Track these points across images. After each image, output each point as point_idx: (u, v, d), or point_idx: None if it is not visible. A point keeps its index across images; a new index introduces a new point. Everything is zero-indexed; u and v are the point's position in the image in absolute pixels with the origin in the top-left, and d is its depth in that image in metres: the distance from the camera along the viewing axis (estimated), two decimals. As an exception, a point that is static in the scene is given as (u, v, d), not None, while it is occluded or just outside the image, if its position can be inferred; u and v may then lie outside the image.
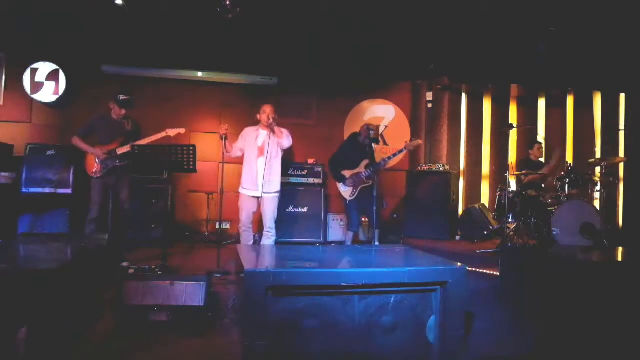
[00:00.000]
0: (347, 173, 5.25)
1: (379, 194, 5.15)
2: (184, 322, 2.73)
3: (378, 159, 5.46)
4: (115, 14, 5.40)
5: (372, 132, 5.37)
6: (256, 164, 4.53)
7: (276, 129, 4.50)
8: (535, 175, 6.08)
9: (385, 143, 7.52)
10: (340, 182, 5.31)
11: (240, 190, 4.61)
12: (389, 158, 5.34)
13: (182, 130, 4.59)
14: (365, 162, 5.23)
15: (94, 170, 4.48)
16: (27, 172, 5.45)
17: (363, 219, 5.97)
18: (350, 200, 5.28)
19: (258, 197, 4.56)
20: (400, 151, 5.46)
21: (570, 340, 2.78)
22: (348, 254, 3.35)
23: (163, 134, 4.50)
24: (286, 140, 4.57)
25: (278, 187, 4.63)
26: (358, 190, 5.25)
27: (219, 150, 6.71)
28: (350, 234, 5.50)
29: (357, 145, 5.41)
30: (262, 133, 4.60)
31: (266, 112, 4.54)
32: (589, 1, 5.35)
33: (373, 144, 5.52)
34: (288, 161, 6.47)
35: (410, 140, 5.50)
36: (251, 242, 4.72)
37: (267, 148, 4.52)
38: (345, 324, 2.22)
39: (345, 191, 5.28)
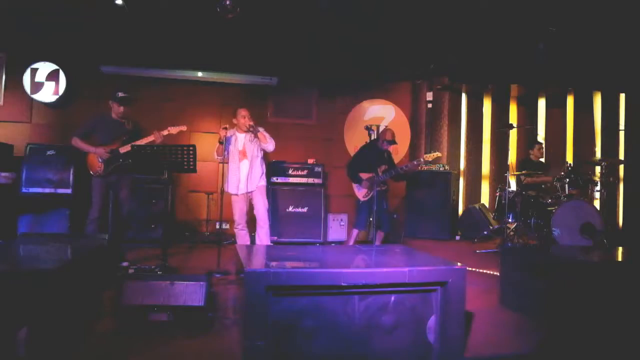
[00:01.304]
0: (364, 175, 5.30)
1: (387, 201, 5.22)
2: (184, 322, 2.73)
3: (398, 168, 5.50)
4: (115, 14, 5.39)
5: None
6: (239, 167, 4.64)
7: (260, 135, 4.62)
8: (536, 177, 6.08)
9: (385, 143, 7.52)
10: (356, 184, 5.35)
11: (229, 191, 4.69)
12: (406, 166, 5.38)
13: (184, 128, 4.63)
14: (383, 167, 5.27)
15: (97, 170, 4.47)
16: (27, 172, 5.44)
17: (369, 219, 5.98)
18: (363, 201, 5.31)
19: (246, 194, 4.66)
20: (418, 162, 5.48)
21: (570, 340, 2.78)
22: (348, 254, 3.35)
23: (165, 132, 4.52)
24: (270, 145, 4.69)
25: (263, 181, 4.76)
26: (372, 192, 5.26)
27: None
28: (355, 232, 5.51)
29: (376, 150, 5.44)
30: (240, 137, 4.69)
31: (245, 116, 4.64)
32: (589, 1, 5.35)
33: (391, 150, 5.57)
34: (288, 161, 6.47)
35: (429, 153, 5.55)
36: (247, 242, 4.73)
37: (248, 150, 4.65)
38: (345, 324, 2.22)
39: (360, 192, 5.33)
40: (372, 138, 5.47)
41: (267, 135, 4.70)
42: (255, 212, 4.70)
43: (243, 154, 4.66)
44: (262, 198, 4.70)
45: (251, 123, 4.60)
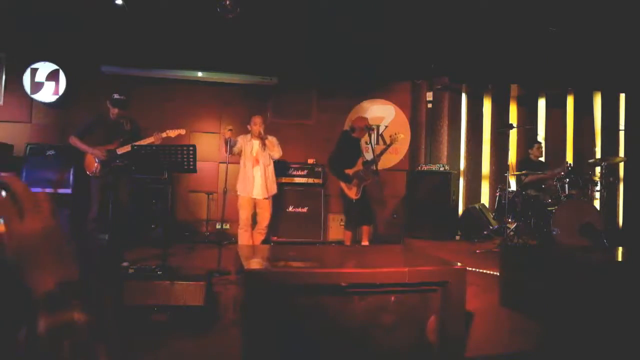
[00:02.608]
0: (349, 172, 5.24)
1: (386, 198, 5.19)
2: (184, 322, 2.73)
3: (369, 157, 5.46)
4: (115, 14, 5.40)
5: (371, 133, 5.41)
6: (252, 172, 4.80)
7: (267, 142, 4.79)
8: (536, 176, 6.09)
9: (385, 143, 7.51)
10: (346, 182, 5.25)
11: (239, 193, 4.84)
12: (381, 153, 5.36)
13: (182, 131, 4.63)
14: (361, 159, 5.25)
15: (93, 170, 4.47)
16: (27, 172, 5.44)
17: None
18: (355, 200, 5.25)
19: (255, 199, 4.81)
20: (389, 145, 5.45)
21: (570, 340, 2.78)
22: (348, 254, 3.35)
23: (164, 135, 4.52)
24: (277, 153, 4.89)
25: (275, 191, 4.94)
26: (361, 189, 5.23)
27: (219, 150, 6.72)
28: (350, 234, 5.49)
29: (352, 142, 5.40)
30: (255, 143, 4.86)
31: (257, 123, 4.78)
32: (589, 1, 5.35)
33: (367, 139, 5.56)
34: (288, 161, 6.47)
35: (395, 134, 5.51)
36: (250, 242, 4.77)
37: (260, 157, 4.84)
38: (345, 324, 2.22)
39: (351, 191, 5.25)
40: (344, 132, 5.51)
41: (275, 143, 4.87)
42: (258, 218, 4.86)
43: (256, 161, 4.82)
44: (269, 207, 4.88)
45: (260, 130, 4.74)
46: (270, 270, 2.15)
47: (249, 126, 4.87)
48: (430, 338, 2.31)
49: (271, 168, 4.92)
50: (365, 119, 5.61)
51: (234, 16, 5.17)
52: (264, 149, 4.85)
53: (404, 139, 5.65)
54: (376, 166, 5.13)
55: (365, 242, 5.41)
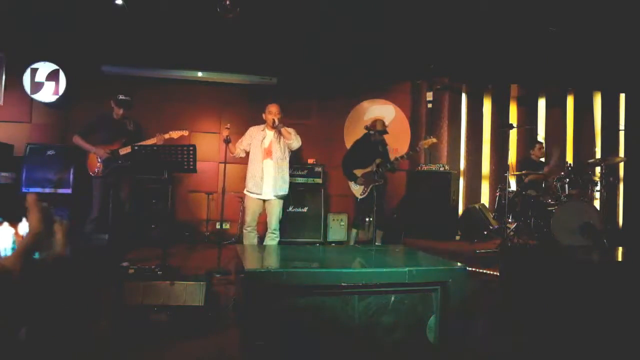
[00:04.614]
0: (358, 172, 5.21)
1: (387, 198, 5.11)
2: (184, 322, 2.73)
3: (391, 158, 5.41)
4: (115, 14, 5.40)
5: (371, 132, 5.35)
6: (261, 166, 4.36)
7: (283, 130, 4.33)
8: (536, 176, 6.09)
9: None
10: (351, 181, 5.26)
11: (245, 192, 4.47)
12: (402, 157, 5.27)
13: (185, 132, 4.62)
14: (377, 161, 5.15)
15: (95, 170, 4.47)
16: (27, 172, 5.45)
17: (368, 219, 5.95)
18: (360, 199, 5.24)
19: (264, 200, 4.43)
20: (414, 150, 5.43)
21: (570, 340, 2.78)
22: (348, 254, 3.35)
23: (167, 136, 4.52)
24: (295, 142, 4.41)
25: (286, 190, 4.47)
26: (369, 189, 5.17)
27: (219, 150, 6.72)
28: (355, 232, 5.48)
29: (369, 143, 5.34)
30: (269, 134, 4.44)
31: (272, 112, 4.35)
32: (589, 1, 5.35)
33: (384, 142, 5.43)
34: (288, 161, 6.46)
35: (425, 139, 5.40)
36: (255, 242, 4.65)
37: (274, 150, 4.38)
38: (345, 324, 2.22)
39: (357, 189, 5.24)
40: (365, 134, 5.41)
41: (292, 131, 4.41)
42: (268, 220, 4.45)
43: (267, 153, 4.37)
44: (279, 210, 4.42)
45: (275, 119, 4.30)
46: (270, 270, 2.15)
47: (263, 115, 4.42)
48: (430, 338, 2.31)
49: (285, 163, 4.41)
50: (378, 120, 5.43)
51: (234, 16, 5.16)
52: (280, 141, 4.37)
53: (435, 143, 5.37)
54: (383, 169, 5.10)
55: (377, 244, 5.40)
